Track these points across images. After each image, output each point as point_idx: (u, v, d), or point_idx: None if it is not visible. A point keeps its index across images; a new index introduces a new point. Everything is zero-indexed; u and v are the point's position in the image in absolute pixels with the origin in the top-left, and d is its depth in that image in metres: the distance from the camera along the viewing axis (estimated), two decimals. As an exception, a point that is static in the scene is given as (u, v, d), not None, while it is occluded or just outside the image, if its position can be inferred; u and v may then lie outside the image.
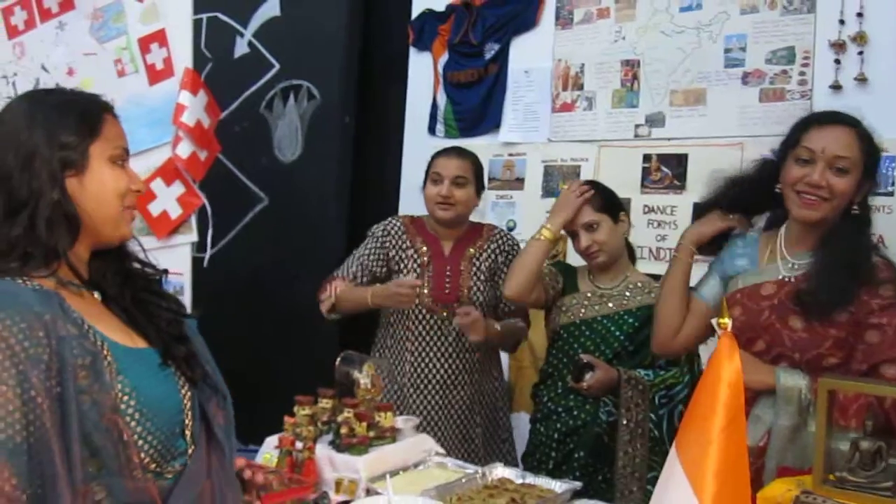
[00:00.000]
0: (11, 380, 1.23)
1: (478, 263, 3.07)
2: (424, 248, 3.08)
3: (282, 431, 2.50)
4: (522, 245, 3.00)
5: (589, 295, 2.84)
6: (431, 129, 4.26)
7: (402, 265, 3.08)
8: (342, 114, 4.41)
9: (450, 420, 3.03)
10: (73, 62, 3.97)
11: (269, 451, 2.48)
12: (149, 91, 3.76)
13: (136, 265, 1.57)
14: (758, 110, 3.32)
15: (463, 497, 2.20)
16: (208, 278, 4.09)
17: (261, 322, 4.34)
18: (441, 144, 4.08)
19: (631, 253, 2.99)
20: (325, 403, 2.56)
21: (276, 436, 2.48)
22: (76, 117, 1.45)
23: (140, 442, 1.37)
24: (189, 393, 1.50)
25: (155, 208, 3.69)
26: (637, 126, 3.65)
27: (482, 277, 3.07)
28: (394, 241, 3.11)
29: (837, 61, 3.13)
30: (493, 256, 3.09)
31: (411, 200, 3.67)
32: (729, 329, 1.27)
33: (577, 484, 2.29)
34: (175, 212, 3.67)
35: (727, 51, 3.41)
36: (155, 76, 3.75)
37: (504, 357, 3.89)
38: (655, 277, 2.97)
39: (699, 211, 2.54)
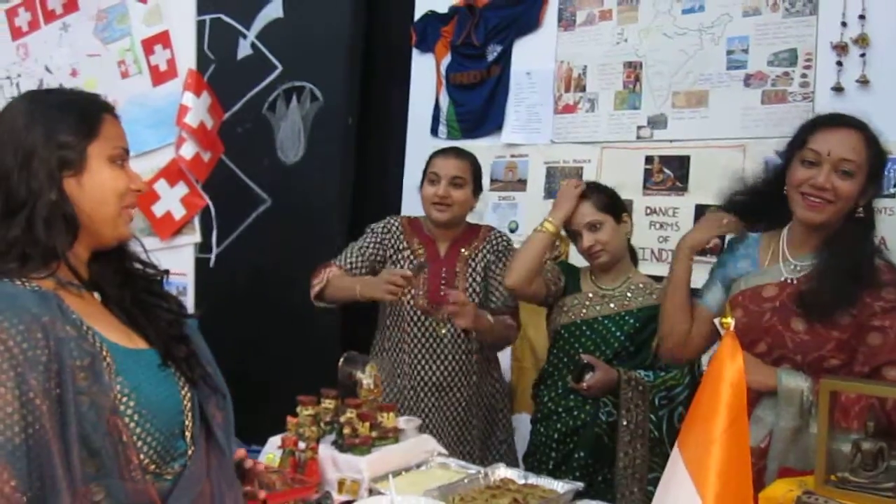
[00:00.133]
0: (10, 382, 1.23)
1: (473, 265, 3.06)
2: (421, 250, 3.07)
3: (285, 431, 2.50)
4: (519, 245, 3.02)
5: (590, 295, 2.85)
6: (434, 131, 4.27)
7: (397, 266, 3.06)
8: (345, 115, 4.41)
9: (445, 422, 3.01)
10: (77, 63, 3.98)
11: (272, 451, 2.48)
12: (152, 92, 3.77)
13: (137, 266, 1.57)
14: (760, 112, 3.32)
15: (465, 497, 2.20)
16: (211, 279, 4.10)
17: (263, 322, 4.35)
18: (443, 146, 4.10)
19: (633, 255, 3.00)
20: (328, 404, 2.56)
21: (279, 436, 2.49)
22: (75, 117, 1.45)
23: (139, 443, 1.37)
24: (189, 394, 1.50)
25: (158, 209, 3.70)
26: (639, 128, 3.65)
27: (477, 279, 3.05)
28: (391, 241, 3.09)
29: (839, 63, 3.13)
30: (487, 256, 3.08)
31: (413, 201, 3.67)
32: (732, 329, 1.27)
33: (579, 484, 2.29)
34: (179, 213, 3.68)
35: (729, 53, 3.41)
36: (158, 77, 3.76)
37: (506, 358, 3.91)
38: (657, 279, 2.98)
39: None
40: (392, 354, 3.08)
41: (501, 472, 2.38)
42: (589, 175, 3.70)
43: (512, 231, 3.97)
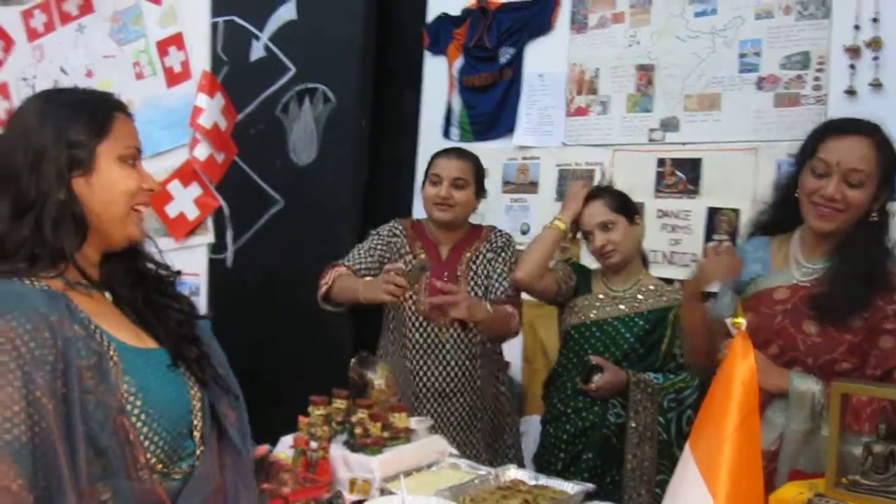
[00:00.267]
0: (17, 381, 1.23)
1: (474, 267, 3.02)
2: (423, 255, 3.03)
3: (297, 431, 2.51)
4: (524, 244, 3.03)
5: (601, 296, 2.86)
6: (446, 133, 4.28)
7: None
8: (357, 117, 4.42)
9: (450, 428, 2.97)
10: (92, 64, 4.01)
11: (284, 450, 2.49)
12: (167, 93, 3.80)
13: (150, 266, 1.57)
14: (772, 115, 3.32)
15: (476, 498, 2.20)
16: (224, 279, 4.12)
17: (276, 323, 4.36)
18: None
19: (644, 259, 3.00)
20: (340, 404, 2.57)
21: (291, 435, 2.49)
22: (86, 116, 1.44)
23: (146, 442, 1.37)
24: (199, 394, 1.51)
25: (172, 210, 3.72)
26: (651, 130, 3.65)
27: (479, 282, 3.01)
28: (396, 246, 3.06)
29: (852, 66, 3.13)
30: (487, 255, 3.04)
31: (426, 203, 3.68)
32: (743, 329, 1.28)
33: (590, 486, 2.29)
34: (192, 213, 3.71)
35: (742, 56, 3.40)
36: (173, 79, 3.79)
37: (517, 360, 3.91)
38: (668, 281, 2.98)
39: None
40: (395, 359, 3.04)
41: (512, 473, 2.38)
42: (601, 178, 3.71)
43: (524, 233, 3.97)
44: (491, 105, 4.13)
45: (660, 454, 2.69)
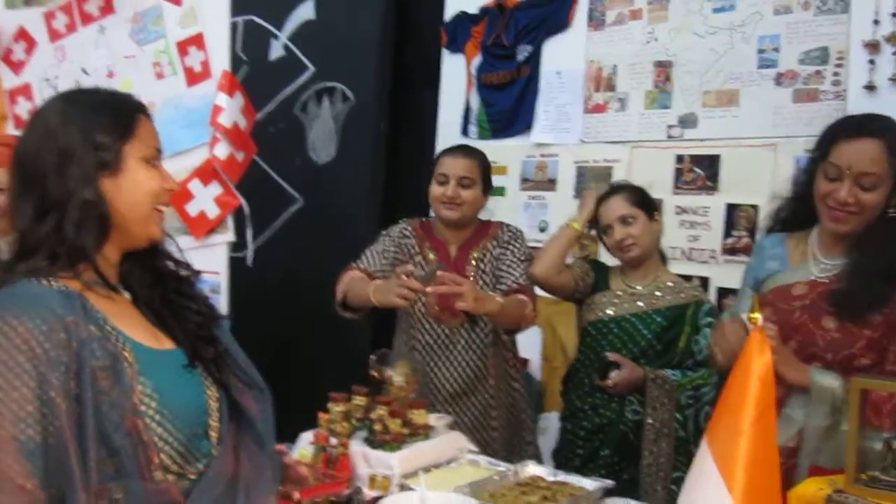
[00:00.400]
0: (32, 381, 1.25)
1: (483, 266, 2.97)
2: (432, 255, 2.99)
3: (317, 428, 2.52)
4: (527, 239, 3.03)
5: (619, 293, 2.86)
6: (464, 131, 4.29)
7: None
8: (376, 115, 4.44)
9: (463, 428, 2.87)
10: (114, 65, 4.04)
11: (304, 446, 2.50)
12: (187, 93, 3.82)
13: (170, 265, 1.58)
14: (791, 111, 3.31)
15: (495, 494, 2.21)
16: (244, 277, 4.14)
17: (295, 320, 4.39)
18: (474, 145, 4.12)
19: (662, 256, 3.00)
20: (359, 401, 2.58)
21: (311, 432, 2.50)
22: (111, 117, 1.45)
23: (160, 443, 1.37)
24: (216, 395, 1.51)
25: (193, 208, 3.74)
26: (670, 127, 3.65)
27: (488, 280, 2.95)
28: (406, 246, 3.02)
29: (872, 62, 3.12)
30: (494, 252, 2.98)
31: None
32: (759, 324, 1.28)
33: (609, 482, 2.29)
34: (213, 212, 3.73)
35: (760, 51, 3.40)
36: (193, 78, 3.81)
37: (536, 357, 3.92)
38: (687, 278, 2.98)
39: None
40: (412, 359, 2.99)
41: (531, 469, 2.38)
42: (619, 174, 3.71)
43: (542, 230, 3.98)
44: (509, 103, 4.13)
45: (676, 451, 2.69)
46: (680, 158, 3.61)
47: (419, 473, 2.16)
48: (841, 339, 2.14)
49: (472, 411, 2.96)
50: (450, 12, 4.37)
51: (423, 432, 2.52)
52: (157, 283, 1.55)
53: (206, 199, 3.73)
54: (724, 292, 3.39)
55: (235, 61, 4.25)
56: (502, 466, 2.42)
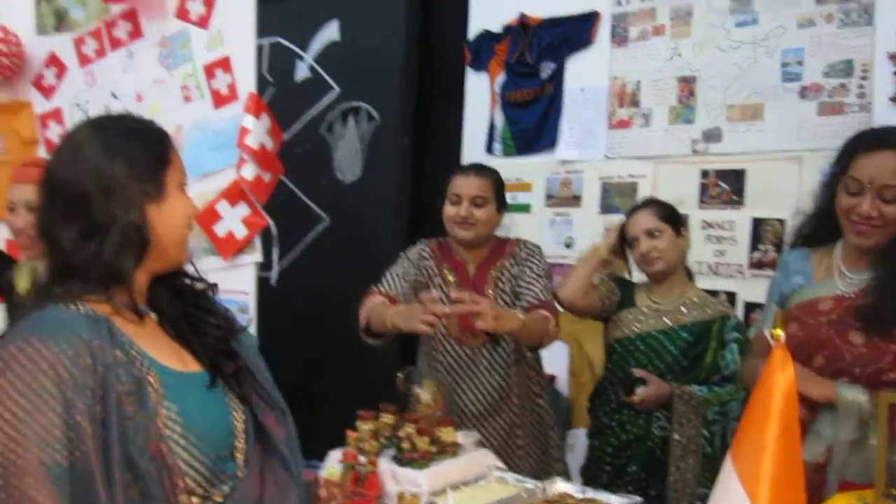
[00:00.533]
0: (59, 406, 1.25)
1: (501, 285, 2.94)
2: (451, 278, 2.97)
3: (345, 446, 2.53)
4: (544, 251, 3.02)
5: (645, 310, 2.86)
6: (489, 149, 4.31)
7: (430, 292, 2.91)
8: (401, 134, 4.47)
9: (490, 450, 2.76)
10: (142, 89, 4.08)
11: (332, 464, 2.51)
12: (214, 115, 3.84)
13: (186, 280, 1.59)
14: (816, 124, 3.31)
15: (523, 511, 2.22)
16: (271, 297, 4.17)
17: (323, 339, 4.41)
18: (498, 163, 4.12)
19: (688, 273, 2.99)
20: (387, 419, 2.58)
21: (340, 450, 2.51)
22: (151, 147, 1.48)
23: (185, 467, 1.38)
24: (243, 416, 1.52)
25: (220, 229, 3.77)
26: (694, 142, 3.65)
27: (507, 299, 2.92)
28: (426, 269, 3.00)
29: (896, 73, 3.11)
30: (512, 270, 2.95)
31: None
32: (782, 340, 1.28)
33: (638, 499, 2.29)
34: (240, 232, 3.75)
35: (784, 65, 3.40)
36: (220, 101, 3.84)
37: (564, 373, 3.92)
38: (714, 293, 2.97)
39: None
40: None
41: (559, 486, 2.38)
42: (644, 190, 3.71)
43: (567, 246, 3.99)
44: (533, 120, 4.15)
45: (703, 467, 2.67)
46: (705, 173, 3.61)
47: (447, 491, 2.16)
48: (868, 354, 2.12)
49: (497, 431, 2.94)
50: (473, 31, 4.40)
51: (451, 450, 2.52)
52: (177, 299, 1.56)
53: (233, 220, 3.75)
54: (751, 307, 3.38)
55: (262, 83, 4.30)
56: (530, 484, 2.42)
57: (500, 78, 4.27)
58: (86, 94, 4.30)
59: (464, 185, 2.93)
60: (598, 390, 2.99)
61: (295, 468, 1.57)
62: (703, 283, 3.25)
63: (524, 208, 4.17)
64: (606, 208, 3.91)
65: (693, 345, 2.78)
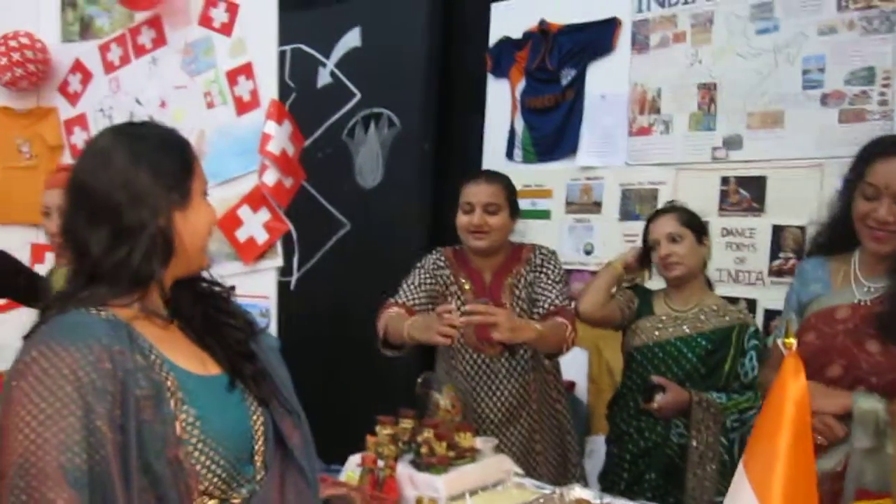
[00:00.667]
0: (79, 410, 1.27)
1: (517, 292, 2.93)
2: (467, 286, 2.96)
3: (364, 450, 2.55)
4: (562, 258, 3.04)
5: (663, 318, 2.86)
6: (509, 155, 4.32)
7: (448, 301, 2.93)
8: (422, 140, 4.49)
9: (509, 456, 2.77)
10: (165, 95, 4.12)
11: (351, 469, 2.53)
12: (236, 122, 3.88)
13: (204, 285, 1.61)
14: (837, 131, 3.29)
15: (541, 517, 2.23)
16: (293, 301, 4.20)
17: (343, 344, 4.42)
18: (519, 169, 4.16)
19: (708, 282, 2.99)
20: (406, 423, 2.60)
21: (359, 454, 2.54)
22: (177, 157, 1.50)
23: (203, 471, 1.39)
24: (262, 418, 1.54)
25: (242, 234, 3.80)
26: (714, 149, 3.65)
27: (524, 306, 2.91)
28: (442, 279, 3.00)
29: (918, 81, 3.10)
30: (528, 277, 2.93)
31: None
32: (794, 349, 1.29)
33: (654, 505, 2.30)
34: (262, 237, 3.78)
35: (805, 72, 3.39)
36: (242, 107, 3.87)
37: (583, 380, 3.92)
38: (734, 300, 2.97)
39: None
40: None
41: (577, 492, 2.39)
42: (664, 197, 3.71)
43: (587, 253, 4.00)
44: (553, 126, 4.16)
45: (721, 474, 2.66)
46: (725, 180, 3.61)
47: (465, 496, 2.18)
48: (885, 363, 2.12)
49: (517, 438, 2.94)
50: (494, 38, 4.41)
51: (470, 455, 2.53)
52: (198, 302, 1.59)
53: (255, 225, 3.78)
54: (771, 314, 3.37)
55: (284, 89, 4.34)
56: (548, 489, 2.43)
57: (521, 84, 4.28)
58: (110, 101, 4.35)
59: (476, 193, 2.92)
60: (616, 397, 3.00)
61: (311, 476, 1.59)
62: (723, 290, 3.25)
63: (544, 214, 4.18)
64: (626, 215, 3.91)
65: (712, 352, 2.78)
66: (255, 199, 3.77)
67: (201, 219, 1.52)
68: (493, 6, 4.43)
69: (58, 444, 1.25)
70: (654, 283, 3.04)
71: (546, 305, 2.85)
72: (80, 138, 4.47)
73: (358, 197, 4.68)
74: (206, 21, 3.95)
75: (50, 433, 1.25)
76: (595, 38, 4.02)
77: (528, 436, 2.95)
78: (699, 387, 2.74)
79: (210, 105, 3.97)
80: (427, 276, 2.99)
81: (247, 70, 3.85)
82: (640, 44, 3.90)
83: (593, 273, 3.07)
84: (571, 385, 3.80)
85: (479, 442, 2.62)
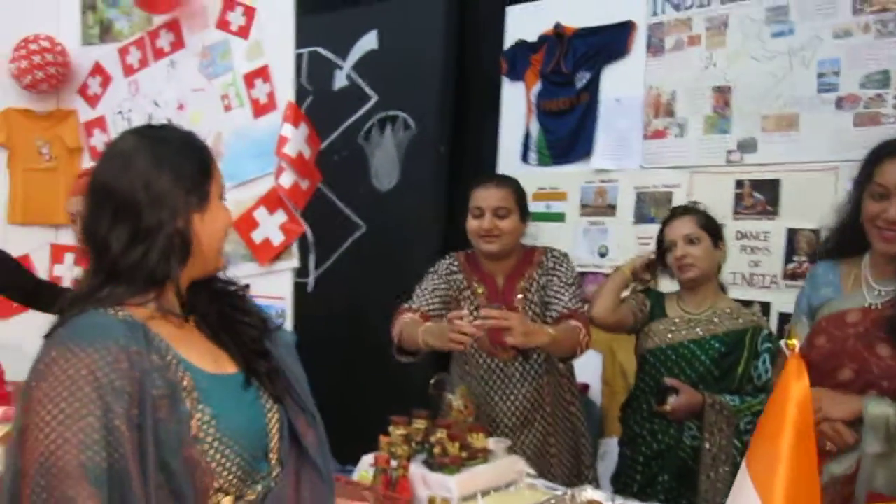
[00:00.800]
0: (98, 410, 1.29)
1: (530, 296, 2.92)
2: (481, 290, 2.96)
3: (378, 450, 2.57)
4: (572, 260, 3.02)
5: (676, 320, 2.86)
6: (524, 157, 4.33)
7: (461, 306, 2.95)
8: (437, 143, 4.51)
9: (525, 459, 2.78)
10: (184, 98, 4.17)
11: (365, 468, 2.56)
12: (253, 124, 3.92)
13: (219, 284, 1.63)
14: (852, 135, 3.29)
15: (552, 517, 2.24)
16: (309, 303, 4.22)
17: (358, 345, 4.44)
18: (534, 172, 4.17)
19: (721, 288, 2.98)
20: (419, 424, 2.62)
21: (373, 454, 2.56)
22: (197, 160, 1.52)
23: (218, 468, 1.41)
24: (277, 415, 1.56)
25: (258, 236, 3.83)
26: (729, 152, 3.65)
27: (537, 310, 2.91)
28: (455, 283, 2.99)
29: (933, 85, 3.09)
30: (540, 281, 2.93)
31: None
32: (797, 350, 1.30)
33: (666, 507, 2.31)
34: (277, 239, 3.81)
35: (820, 76, 3.39)
36: (259, 110, 3.91)
37: (597, 383, 3.92)
38: (748, 304, 2.97)
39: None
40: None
41: (588, 493, 2.40)
42: (679, 200, 3.71)
43: (602, 255, 4.00)
44: (568, 129, 4.17)
45: (734, 477, 2.65)
46: (740, 183, 3.61)
47: (477, 496, 2.19)
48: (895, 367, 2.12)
49: (532, 441, 2.94)
50: (509, 41, 4.43)
51: (482, 456, 2.55)
52: (214, 301, 1.61)
53: (271, 227, 3.82)
54: (785, 318, 3.36)
55: (301, 91, 4.37)
56: (559, 490, 2.44)
57: (536, 87, 4.30)
58: (129, 103, 4.40)
59: (485, 198, 2.91)
60: (629, 400, 3.00)
61: (327, 475, 1.61)
62: (737, 293, 3.25)
63: (559, 217, 4.19)
64: (641, 218, 3.91)
65: (725, 355, 2.77)
66: (272, 200, 3.81)
67: (218, 221, 1.55)
68: (509, 9, 4.44)
69: (78, 443, 1.27)
70: (668, 286, 3.05)
71: (559, 309, 2.85)
72: (99, 140, 4.52)
73: (374, 199, 4.71)
74: (223, 24, 3.99)
75: (70, 433, 1.27)
76: (610, 42, 4.03)
77: (542, 439, 2.95)
78: (712, 389, 2.74)
79: (227, 108, 4.01)
80: (440, 281, 2.99)
81: (264, 73, 3.89)
82: (654, 47, 3.90)
83: (608, 276, 3.07)
84: (585, 387, 3.81)
85: (491, 443, 2.64)
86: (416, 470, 2.46)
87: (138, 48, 4.34)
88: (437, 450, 2.49)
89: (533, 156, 4.30)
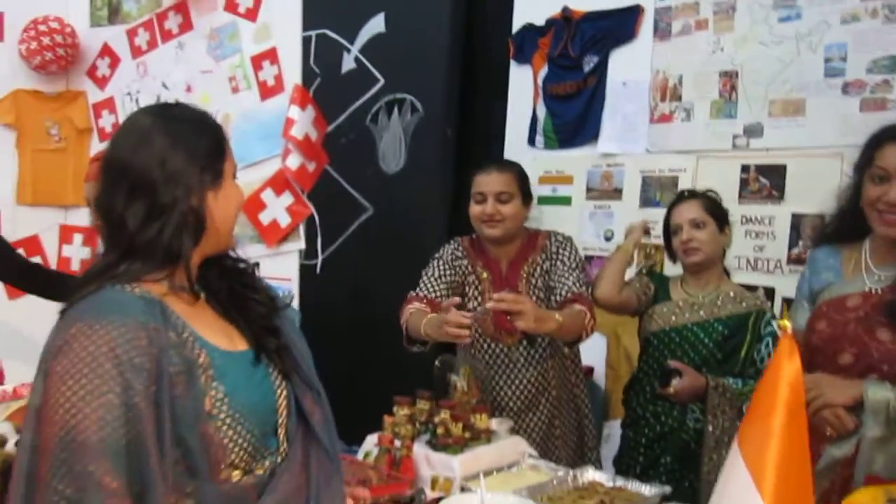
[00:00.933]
0: (118, 387, 1.31)
1: (534, 280, 2.94)
2: (485, 275, 2.98)
3: (381, 430, 2.60)
4: (578, 244, 3.05)
5: (680, 303, 2.87)
6: (531, 141, 4.34)
7: (466, 291, 3.00)
8: (444, 126, 4.50)
9: (530, 443, 2.81)
10: (192, 79, 4.19)
11: (369, 448, 2.58)
12: (261, 106, 3.94)
13: (229, 261, 1.66)
14: (859, 120, 3.28)
15: (553, 497, 2.26)
16: (315, 284, 4.24)
17: (364, 325, 4.47)
18: (540, 156, 4.18)
19: (725, 272, 2.99)
20: (423, 404, 2.64)
21: (376, 434, 2.58)
22: (211, 139, 1.55)
23: (230, 444, 1.44)
24: (285, 392, 1.58)
25: (265, 217, 3.86)
26: (735, 137, 3.64)
27: (541, 295, 2.92)
28: (460, 269, 3.01)
29: (940, 70, 3.08)
30: (544, 265, 2.94)
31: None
32: (789, 331, 1.31)
33: (667, 488, 2.31)
34: (284, 220, 3.83)
35: (827, 60, 3.38)
36: (266, 92, 3.93)
37: (601, 366, 3.94)
38: (752, 288, 2.98)
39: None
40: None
41: (590, 474, 2.42)
42: (684, 184, 3.71)
43: (608, 239, 4.01)
44: (575, 113, 4.17)
45: (738, 459, 2.67)
46: (745, 168, 3.60)
47: (480, 476, 2.21)
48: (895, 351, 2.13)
49: (537, 424, 2.97)
50: (517, 24, 4.42)
51: (485, 436, 2.57)
52: (224, 277, 1.63)
53: (278, 209, 3.84)
54: (789, 302, 3.35)
55: (308, 74, 4.37)
56: (561, 471, 2.46)
57: (543, 71, 4.29)
58: (137, 84, 4.42)
59: (487, 182, 2.92)
60: (632, 382, 3.02)
61: (333, 454, 1.63)
62: (742, 278, 3.26)
63: (565, 201, 4.20)
64: (646, 202, 3.91)
65: (729, 338, 2.79)
66: (279, 182, 3.83)
67: (231, 199, 1.57)
68: (517, -7, 4.44)
69: (97, 419, 1.29)
70: (672, 269, 3.06)
71: (563, 292, 2.84)
72: (108, 121, 4.54)
73: (381, 182, 4.71)
74: (231, 7, 4.00)
75: (90, 409, 1.30)
76: (617, 25, 4.02)
77: (547, 422, 2.97)
78: (715, 372, 2.76)
79: (235, 89, 4.03)
80: (446, 266, 3.00)
81: (271, 55, 3.91)
82: (662, 31, 3.89)
83: (603, 266, 3.08)
84: (589, 370, 3.82)
85: (494, 423, 2.66)
86: (420, 450, 2.49)
87: (146, 30, 4.35)
88: (440, 430, 2.52)
89: (540, 139, 4.30)
